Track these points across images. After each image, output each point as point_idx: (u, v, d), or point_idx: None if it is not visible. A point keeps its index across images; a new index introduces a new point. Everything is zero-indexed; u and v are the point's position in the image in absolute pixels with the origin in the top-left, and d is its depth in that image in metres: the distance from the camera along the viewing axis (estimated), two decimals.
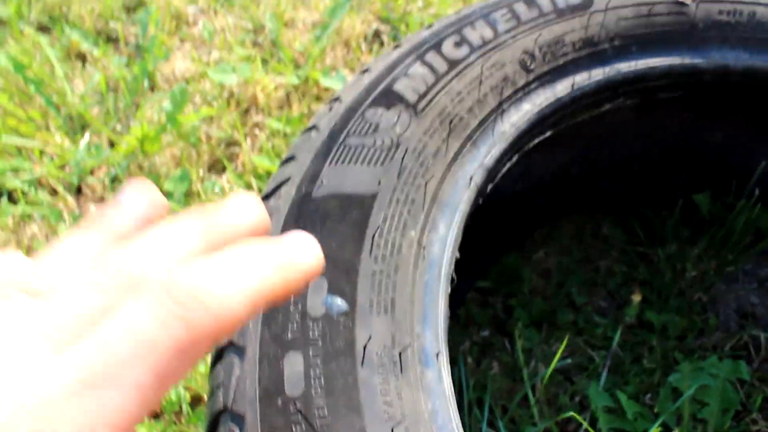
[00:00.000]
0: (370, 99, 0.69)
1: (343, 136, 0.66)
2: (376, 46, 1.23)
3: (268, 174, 1.04)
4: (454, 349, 0.87)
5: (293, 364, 0.49)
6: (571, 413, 0.78)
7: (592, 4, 0.79)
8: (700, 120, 0.96)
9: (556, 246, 0.99)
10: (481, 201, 0.71)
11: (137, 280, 0.29)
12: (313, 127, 0.70)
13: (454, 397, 0.56)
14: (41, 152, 1.10)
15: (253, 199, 0.35)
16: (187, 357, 0.27)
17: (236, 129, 1.10)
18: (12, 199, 1.05)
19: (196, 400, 0.83)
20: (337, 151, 0.65)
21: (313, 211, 0.59)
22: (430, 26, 0.80)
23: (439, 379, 0.55)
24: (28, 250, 1.01)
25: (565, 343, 0.84)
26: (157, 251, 0.30)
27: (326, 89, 1.15)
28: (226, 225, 0.33)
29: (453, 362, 0.85)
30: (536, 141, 0.78)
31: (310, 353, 0.50)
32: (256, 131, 1.12)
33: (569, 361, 0.87)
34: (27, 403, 0.24)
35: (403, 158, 0.64)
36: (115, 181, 1.07)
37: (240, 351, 0.51)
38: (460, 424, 0.55)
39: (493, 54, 0.74)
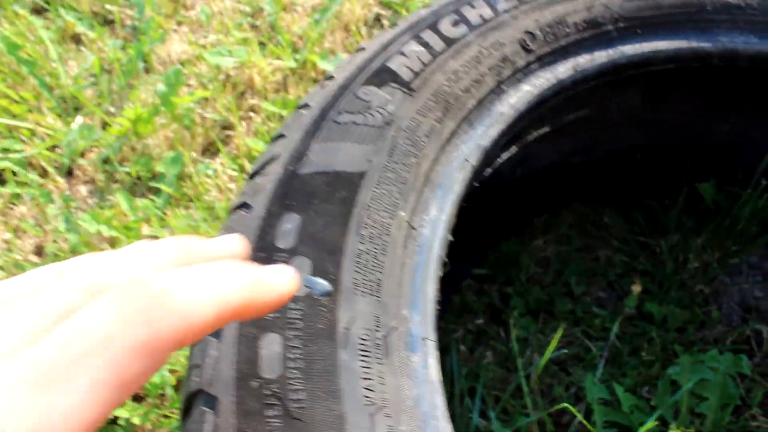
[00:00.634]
0: (362, 77, 0.67)
1: (333, 113, 0.64)
2: (376, 30, 1.21)
3: None
4: (446, 337, 0.85)
5: (271, 346, 0.47)
6: (565, 405, 0.76)
7: None
8: (707, 107, 0.94)
9: (556, 234, 0.97)
10: (476, 183, 0.69)
11: (104, 285, 0.29)
12: (305, 105, 0.68)
13: (442, 384, 0.54)
14: (32, 133, 1.08)
15: (238, 237, 0.36)
16: (148, 358, 0.26)
17: (231, 112, 1.08)
18: (1, 179, 1.04)
19: (180, 384, 0.81)
20: (326, 128, 0.62)
21: (299, 188, 0.57)
22: (428, 6, 0.78)
23: (425, 365, 0.53)
24: (16, 231, 0.99)
25: (560, 332, 0.82)
26: (129, 262, 0.30)
27: (324, 73, 1.13)
28: (204, 250, 0.34)
29: (445, 350, 0.83)
30: (536, 123, 0.75)
31: (289, 334, 0.48)
32: (252, 114, 1.10)
33: (564, 351, 0.85)
34: None
35: (394, 137, 0.62)
36: (106, 162, 1.05)
37: (217, 332, 0.49)
38: (446, 412, 0.52)
39: (491, 33, 0.72)
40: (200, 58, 1.16)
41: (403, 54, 0.68)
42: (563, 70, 0.74)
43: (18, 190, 1.01)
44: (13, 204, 1.01)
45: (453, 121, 0.66)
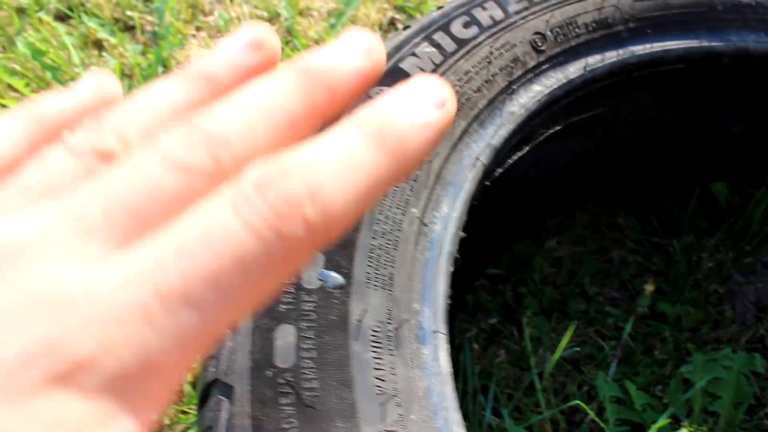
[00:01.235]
0: None
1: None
2: (391, 35, 1.22)
3: None
4: (460, 336, 0.86)
5: (285, 336, 0.49)
6: (578, 402, 0.77)
7: None
8: (719, 107, 0.94)
9: (570, 235, 0.98)
10: (488, 182, 0.70)
11: (225, 167, 0.22)
12: None
13: (452, 376, 0.55)
14: None
15: (365, 36, 0.25)
16: (274, 277, 0.20)
17: None
18: None
19: (196, 380, 0.83)
20: None
21: None
22: (440, 8, 0.79)
23: (435, 357, 0.54)
24: None
25: (571, 330, 0.83)
26: (251, 126, 0.22)
27: None
28: (333, 80, 0.24)
29: (459, 348, 0.84)
30: (548, 123, 0.76)
31: (303, 325, 0.49)
32: None
33: (577, 349, 0.86)
34: (94, 314, 0.19)
35: None
36: None
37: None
38: (455, 403, 0.54)
39: (502, 34, 0.73)
40: None
41: (415, 55, 0.70)
42: (573, 70, 0.75)
43: None
44: None
45: (464, 121, 0.67)
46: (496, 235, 0.94)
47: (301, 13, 1.26)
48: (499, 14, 0.74)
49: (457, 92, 0.68)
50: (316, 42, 1.21)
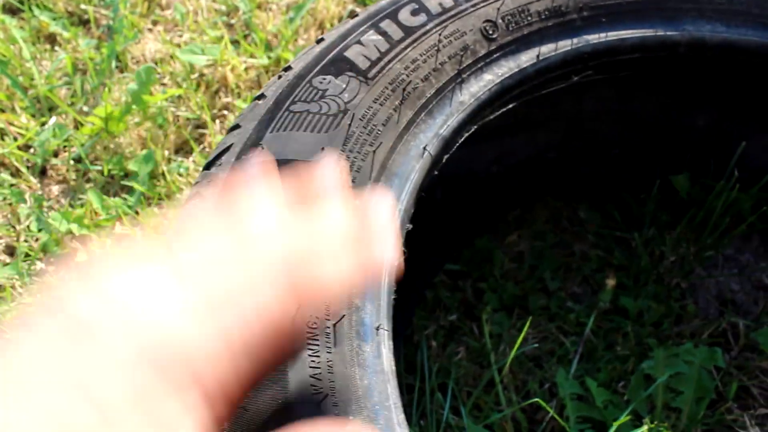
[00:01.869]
0: (319, 67, 0.66)
1: (288, 103, 0.63)
2: (338, 24, 1.20)
3: None
4: (419, 333, 0.84)
5: None
6: (536, 400, 0.75)
7: None
8: (680, 99, 0.93)
9: (531, 229, 0.96)
10: (436, 172, 0.67)
11: None
12: (261, 96, 0.67)
13: (395, 374, 0.53)
14: (4, 133, 1.07)
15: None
16: None
17: (204, 110, 1.07)
18: None
19: None
20: (280, 118, 0.62)
21: None
22: None
23: (378, 355, 0.51)
24: None
25: (528, 325, 0.81)
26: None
27: None
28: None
29: (416, 346, 0.82)
30: (499, 114, 0.74)
31: None
32: (225, 112, 1.09)
33: (535, 345, 0.84)
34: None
35: (349, 125, 0.61)
36: (79, 161, 1.04)
37: None
38: (399, 403, 0.51)
39: (452, 22, 0.71)
40: (174, 57, 1.15)
41: (360, 43, 0.67)
42: (526, 59, 0.74)
43: None
44: None
45: (411, 110, 0.65)
46: (456, 230, 0.92)
47: (259, 7, 1.23)
48: (448, 2, 0.72)
49: (404, 80, 0.66)
50: (275, 36, 1.19)
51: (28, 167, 1.04)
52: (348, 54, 0.66)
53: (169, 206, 0.98)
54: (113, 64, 1.13)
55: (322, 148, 0.59)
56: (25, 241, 0.98)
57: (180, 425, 0.28)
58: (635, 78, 0.86)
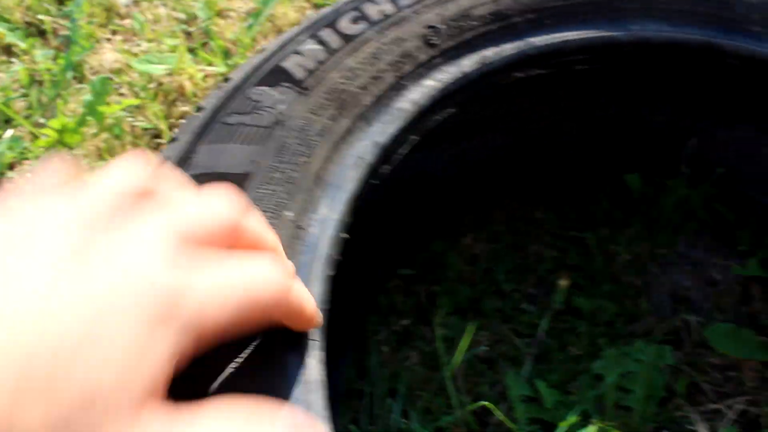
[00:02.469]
0: (256, 78, 0.66)
1: (223, 115, 0.63)
2: (279, 35, 1.20)
3: None
4: (368, 339, 0.84)
5: None
6: (484, 403, 0.75)
7: None
8: (630, 97, 0.93)
9: (486, 231, 0.96)
10: (376, 181, 0.68)
11: None
12: (200, 108, 0.67)
13: (322, 384, 0.53)
14: None
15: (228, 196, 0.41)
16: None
17: (160, 120, 1.07)
18: None
19: None
20: (214, 130, 0.62)
21: None
22: (333, 5, 0.77)
23: (301, 364, 0.52)
24: None
25: (474, 328, 0.81)
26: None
27: None
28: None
29: (366, 352, 0.82)
30: (441, 120, 0.74)
31: None
32: (182, 122, 1.09)
33: (484, 348, 0.84)
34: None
35: (283, 136, 0.61)
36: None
37: None
38: (325, 414, 0.51)
39: (392, 29, 0.71)
40: (131, 67, 1.15)
41: (298, 53, 0.68)
42: (469, 63, 0.74)
43: None
44: None
45: (348, 119, 0.65)
46: (408, 235, 0.92)
47: (219, 14, 1.23)
48: (389, 8, 0.72)
49: (340, 90, 0.66)
50: (234, 43, 1.19)
51: None
52: (285, 64, 0.66)
53: None
54: (70, 75, 1.13)
55: (254, 161, 0.59)
56: None
57: None
58: (584, 78, 0.87)
